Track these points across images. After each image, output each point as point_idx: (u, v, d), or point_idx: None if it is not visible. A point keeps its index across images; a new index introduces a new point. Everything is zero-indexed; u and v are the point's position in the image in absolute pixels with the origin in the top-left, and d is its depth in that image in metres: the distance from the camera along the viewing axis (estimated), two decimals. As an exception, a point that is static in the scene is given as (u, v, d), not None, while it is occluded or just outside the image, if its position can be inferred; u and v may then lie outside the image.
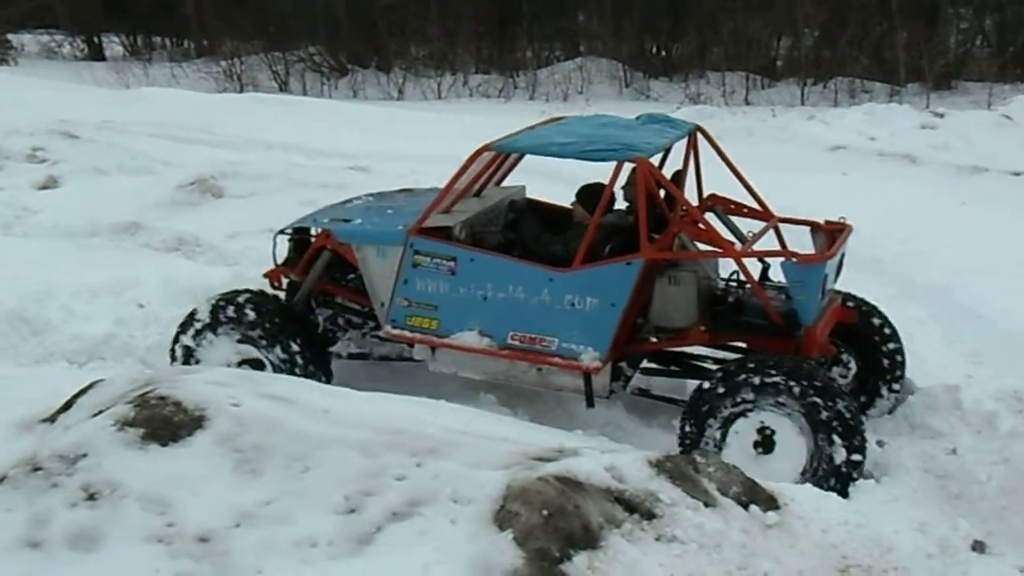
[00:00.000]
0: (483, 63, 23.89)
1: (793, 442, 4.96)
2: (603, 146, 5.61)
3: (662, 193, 5.58)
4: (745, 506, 3.46)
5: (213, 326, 5.81)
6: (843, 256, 5.66)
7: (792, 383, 4.93)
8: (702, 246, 5.61)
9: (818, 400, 4.89)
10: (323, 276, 6.20)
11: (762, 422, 5.00)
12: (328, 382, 5.73)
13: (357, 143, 12.66)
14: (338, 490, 3.20)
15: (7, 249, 7.69)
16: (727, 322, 5.51)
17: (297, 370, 5.75)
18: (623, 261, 5.34)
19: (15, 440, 3.45)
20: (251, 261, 7.39)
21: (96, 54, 28.79)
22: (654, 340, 5.64)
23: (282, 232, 6.41)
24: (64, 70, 23.38)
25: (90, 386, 3.65)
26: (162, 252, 7.96)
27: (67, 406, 3.57)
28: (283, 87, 23.35)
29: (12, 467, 3.19)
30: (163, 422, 3.30)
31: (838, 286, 5.77)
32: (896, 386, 5.81)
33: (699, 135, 6.02)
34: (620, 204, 5.84)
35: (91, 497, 3.06)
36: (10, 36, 28.63)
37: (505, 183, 6.56)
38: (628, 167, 5.41)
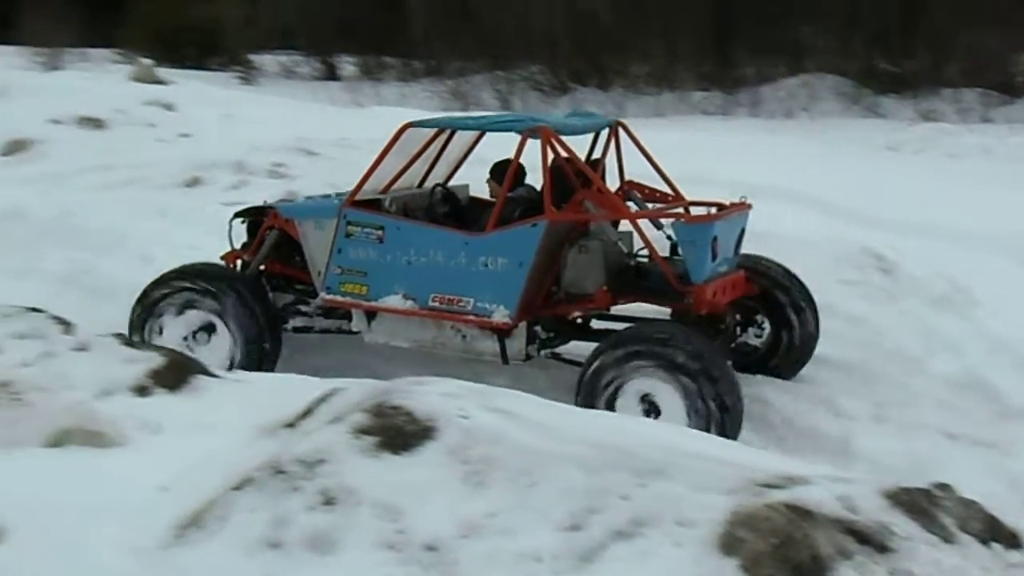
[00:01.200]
0: (703, 80, 23.67)
1: (672, 402, 5.38)
2: (511, 119, 6.47)
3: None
4: (985, 543, 3.26)
5: (172, 294, 6.40)
6: (743, 231, 6.22)
7: (654, 348, 5.42)
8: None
9: (680, 359, 5.33)
10: (274, 257, 6.76)
11: (640, 390, 5.44)
12: (277, 354, 6.43)
13: (577, 160, 12.73)
14: (562, 506, 3.21)
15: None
16: (628, 285, 6.02)
17: (252, 336, 6.30)
18: (529, 223, 5.88)
19: (259, 443, 3.64)
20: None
21: (331, 74, 30.18)
22: (562, 304, 6.09)
23: (236, 216, 7.00)
24: (301, 89, 24.58)
25: (329, 394, 3.81)
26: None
27: (307, 412, 3.74)
28: (505, 105, 23.80)
29: (256, 469, 3.36)
30: (396, 431, 3.40)
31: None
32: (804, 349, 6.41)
33: (620, 129, 6.65)
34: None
35: (328, 502, 3.18)
36: (252, 57, 30.35)
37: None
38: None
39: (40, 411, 3.84)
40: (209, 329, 6.44)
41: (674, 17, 23.23)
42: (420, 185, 6.85)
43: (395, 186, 6.45)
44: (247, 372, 5.28)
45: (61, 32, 28.21)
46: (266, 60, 31.08)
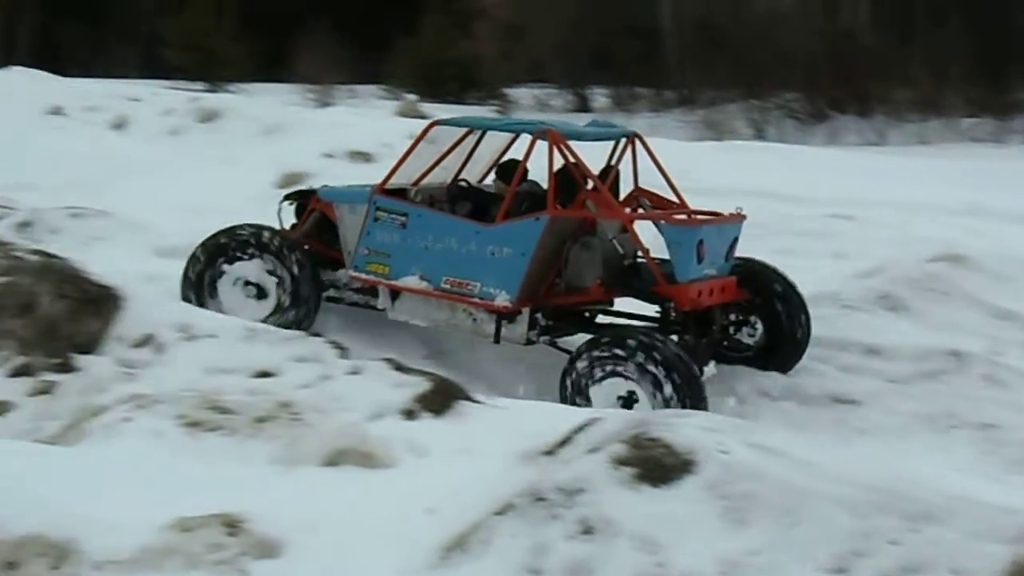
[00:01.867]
0: (973, 105, 22.45)
1: (643, 400, 5.80)
2: (524, 122, 7.42)
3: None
4: None
5: (227, 253, 6.97)
6: (735, 241, 6.63)
7: (629, 352, 5.83)
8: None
9: (655, 369, 5.75)
10: (314, 236, 7.31)
11: (616, 388, 5.86)
12: (312, 321, 6.90)
13: (837, 190, 12.34)
14: (827, 547, 3.11)
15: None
16: (620, 281, 6.53)
17: (299, 294, 6.85)
18: (532, 217, 6.41)
19: (519, 469, 3.71)
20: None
21: (583, 106, 30.54)
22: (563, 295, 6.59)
23: (287, 198, 7.60)
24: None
25: (587, 423, 3.85)
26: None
27: (565, 441, 3.79)
28: (760, 134, 23.40)
29: (517, 495, 3.43)
30: (655, 464, 3.40)
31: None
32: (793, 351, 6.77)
33: (637, 140, 7.06)
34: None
35: (587, 531, 3.21)
36: (508, 90, 31.17)
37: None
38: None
39: (317, 431, 4.07)
40: (258, 286, 6.98)
41: (941, 38, 22.22)
42: (455, 180, 7.35)
43: (426, 180, 7.01)
44: (506, 399, 5.39)
45: (332, 70, 29.92)
46: (521, 93, 31.82)
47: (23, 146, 13.31)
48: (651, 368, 5.78)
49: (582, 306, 6.82)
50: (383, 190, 6.93)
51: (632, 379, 5.85)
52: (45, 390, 4.75)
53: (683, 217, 6.67)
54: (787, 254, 7.64)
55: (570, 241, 6.55)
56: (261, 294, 6.97)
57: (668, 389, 5.74)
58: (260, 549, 3.22)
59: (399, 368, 4.81)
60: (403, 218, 6.86)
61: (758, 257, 6.96)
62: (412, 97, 22.58)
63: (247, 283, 6.99)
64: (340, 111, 21.26)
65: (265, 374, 4.86)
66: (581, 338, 6.43)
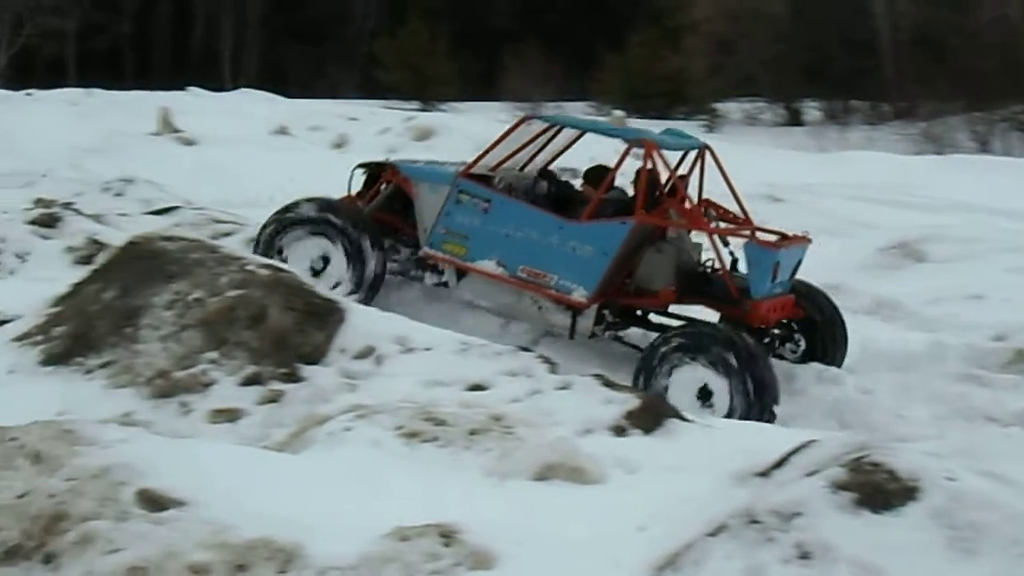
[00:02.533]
0: None
1: (721, 394, 6.10)
2: (626, 132, 7.60)
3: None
4: None
5: (298, 222, 7.23)
6: (799, 262, 6.95)
7: (715, 347, 6.16)
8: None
9: (735, 362, 6.05)
10: (385, 208, 7.54)
11: (696, 378, 6.16)
12: (378, 290, 7.17)
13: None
14: (1062, 583, 2.94)
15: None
16: (692, 288, 6.81)
17: (361, 266, 7.05)
18: (619, 220, 6.72)
19: (732, 490, 3.65)
20: (954, 328, 7.11)
21: (794, 120, 29.87)
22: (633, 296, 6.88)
23: (360, 166, 7.83)
24: (764, 135, 24.57)
25: (803, 445, 3.75)
26: (860, 315, 7.98)
27: (780, 463, 3.70)
28: (984, 148, 22.28)
29: (730, 516, 3.38)
30: (875, 489, 3.27)
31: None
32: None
33: (707, 152, 7.24)
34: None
35: (804, 556, 3.12)
36: (716, 105, 30.80)
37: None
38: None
39: (528, 445, 4.12)
40: (325, 257, 7.25)
41: None
42: (522, 169, 7.57)
43: (503, 167, 7.26)
44: (716, 419, 5.32)
45: (540, 87, 30.31)
46: (730, 107, 31.42)
47: (252, 165, 14.08)
48: (731, 361, 6.09)
49: (648, 307, 7.08)
50: (468, 174, 7.17)
51: (711, 368, 6.17)
52: (273, 399, 4.98)
53: (769, 239, 6.83)
54: (1017, 272, 7.24)
55: (646, 245, 6.85)
56: (325, 266, 7.24)
57: (746, 383, 6.05)
58: (474, 560, 3.28)
59: (608, 384, 4.82)
60: (487, 203, 7.07)
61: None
62: (619, 113, 22.60)
63: (315, 257, 7.25)
64: (547, 128, 21.51)
65: (478, 387, 4.96)
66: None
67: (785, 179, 13.30)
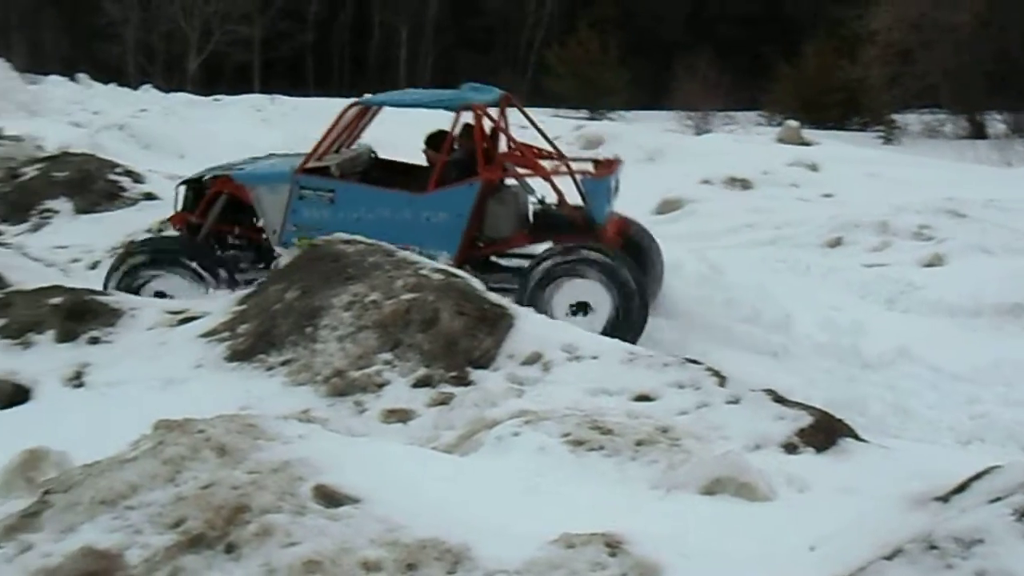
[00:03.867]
0: None
1: (600, 304, 6.90)
2: (448, 98, 7.68)
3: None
4: None
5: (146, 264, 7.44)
6: (618, 183, 7.75)
7: (592, 257, 6.86)
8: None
9: (608, 273, 6.82)
10: (221, 219, 7.76)
11: (575, 293, 6.89)
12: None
13: None
14: None
15: (892, 323, 7.98)
16: (540, 227, 7.47)
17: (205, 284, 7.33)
18: (467, 183, 7.21)
19: (908, 514, 3.53)
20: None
21: (978, 132, 28.64)
22: (485, 247, 7.48)
23: (183, 184, 7.98)
24: (945, 148, 23.66)
25: (986, 471, 3.60)
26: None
27: (961, 488, 3.56)
28: None
29: (907, 541, 3.27)
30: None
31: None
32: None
33: (509, 101, 8.09)
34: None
35: (985, 585, 3.01)
36: (895, 116, 29.82)
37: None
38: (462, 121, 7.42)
39: (696, 458, 4.08)
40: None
41: None
42: (337, 151, 7.89)
43: (335, 155, 7.66)
44: (892, 440, 5.15)
45: (710, 97, 29.95)
46: (909, 119, 30.36)
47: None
48: (623, 277, 6.89)
49: (506, 252, 7.81)
50: (305, 169, 7.52)
51: (588, 279, 6.93)
52: (443, 401, 5.08)
53: (595, 170, 7.69)
54: None
55: (488, 199, 7.42)
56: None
57: (619, 296, 6.91)
58: (639, 572, 3.26)
59: (780, 400, 4.72)
60: (330, 194, 7.45)
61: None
62: (793, 124, 22.14)
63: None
64: (718, 138, 21.28)
65: (644, 398, 4.93)
66: None
67: (968, 194, 12.76)
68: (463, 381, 5.23)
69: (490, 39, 45.78)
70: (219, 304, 6.21)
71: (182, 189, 8.07)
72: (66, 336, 5.92)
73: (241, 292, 6.40)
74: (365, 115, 8.17)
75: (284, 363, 5.48)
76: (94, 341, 5.92)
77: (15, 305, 6.19)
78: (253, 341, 5.64)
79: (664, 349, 5.68)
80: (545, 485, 3.92)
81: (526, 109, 8.26)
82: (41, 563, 3.14)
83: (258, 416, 4.05)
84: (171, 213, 8.15)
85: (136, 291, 7.38)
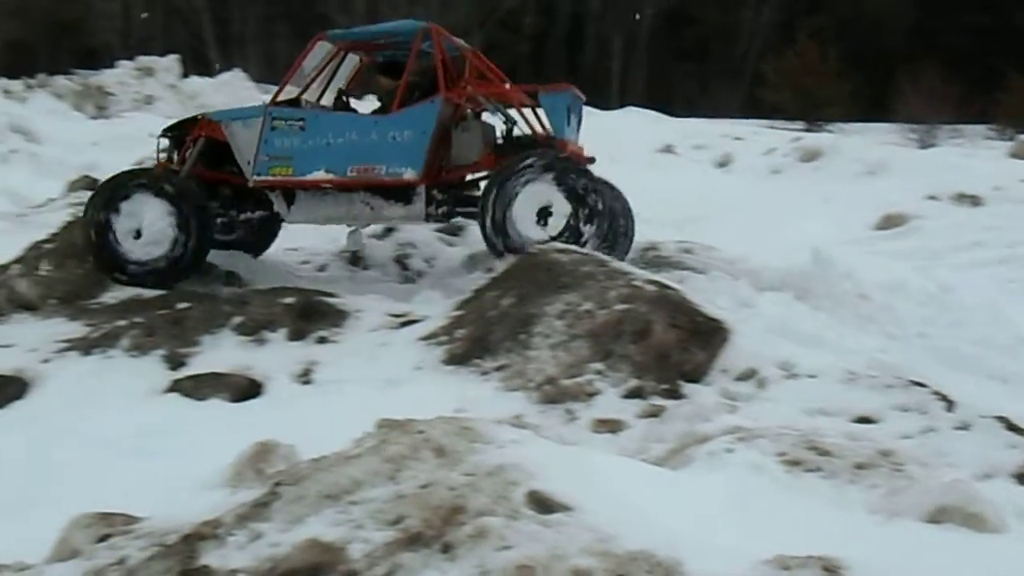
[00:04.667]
0: None
1: (558, 208, 7.05)
2: (407, 26, 8.00)
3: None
4: None
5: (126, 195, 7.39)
6: (580, 111, 8.08)
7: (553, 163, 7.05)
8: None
9: (570, 176, 7.05)
10: (200, 163, 7.79)
11: (535, 200, 7.05)
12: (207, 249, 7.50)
13: None
14: None
15: None
16: (505, 148, 7.58)
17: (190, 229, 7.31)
18: (428, 100, 7.42)
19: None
20: None
21: None
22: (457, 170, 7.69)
23: (163, 133, 8.03)
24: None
25: None
26: None
27: None
28: None
29: None
30: None
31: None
32: None
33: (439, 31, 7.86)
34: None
35: None
36: None
37: None
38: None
39: (920, 484, 3.91)
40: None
41: None
42: (318, 100, 8.08)
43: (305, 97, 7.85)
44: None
45: (935, 109, 28.68)
46: None
47: (636, 181, 14.32)
48: (568, 179, 7.03)
49: (475, 175, 7.91)
50: (276, 102, 7.74)
51: (551, 185, 7.05)
52: (654, 413, 5.06)
53: (555, 86, 7.77)
54: None
55: (452, 128, 7.65)
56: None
57: (568, 196, 7.05)
58: (860, 598, 3.17)
59: (1012, 428, 4.48)
60: (301, 122, 7.61)
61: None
62: (1025, 138, 20.96)
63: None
64: (945, 152, 20.38)
65: (865, 420, 4.77)
66: None
67: None
68: (675, 394, 5.19)
69: (704, 50, 45.23)
70: (438, 308, 6.38)
71: (163, 140, 8.17)
72: (296, 335, 6.24)
73: (459, 298, 6.56)
74: (336, 56, 8.12)
75: (498, 368, 5.58)
76: (322, 340, 6.21)
77: (251, 304, 6.56)
78: (469, 346, 5.78)
79: (887, 370, 5.44)
80: (758, 504, 3.84)
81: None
82: (270, 552, 3.30)
83: (475, 419, 4.14)
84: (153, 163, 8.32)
85: (115, 209, 7.49)
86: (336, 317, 6.43)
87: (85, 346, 6.38)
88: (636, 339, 5.44)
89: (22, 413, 5.76)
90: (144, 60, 27.44)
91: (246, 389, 5.82)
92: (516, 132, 7.88)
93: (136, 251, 7.42)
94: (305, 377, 5.91)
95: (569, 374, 5.38)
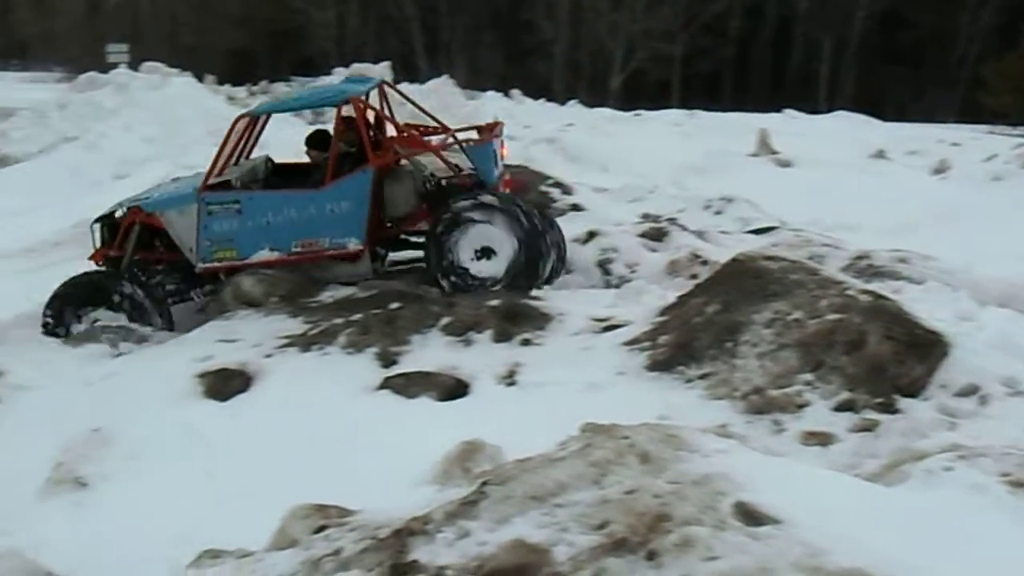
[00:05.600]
0: None
1: (502, 250, 7.58)
2: (328, 94, 8.54)
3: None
4: None
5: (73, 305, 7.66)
6: (502, 144, 8.70)
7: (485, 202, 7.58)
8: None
9: (515, 219, 7.52)
10: (140, 247, 8.02)
11: (475, 240, 7.64)
12: (170, 326, 7.72)
13: None
14: None
15: None
16: (438, 199, 7.92)
17: (136, 314, 7.63)
18: (360, 171, 7.72)
19: None
20: None
21: None
22: (392, 227, 8.13)
23: (96, 221, 8.18)
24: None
25: None
26: None
27: None
28: None
29: None
30: None
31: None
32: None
33: (385, 86, 9.02)
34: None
35: None
36: None
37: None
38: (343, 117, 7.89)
39: None
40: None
41: None
42: (237, 163, 8.26)
43: (232, 170, 8.05)
44: None
45: None
46: None
47: (847, 187, 13.91)
48: (522, 219, 7.46)
49: (412, 231, 8.19)
50: (207, 187, 7.82)
51: (492, 225, 7.47)
52: (867, 427, 4.88)
53: (479, 138, 8.33)
54: None
55: (384, 180, 7.86)
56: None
57: (519, 234, 7.46)
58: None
59: None
60: (236, 205, 7.76)
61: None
62: None
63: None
64: None
65: (1102, 442, 4.47)
66: None
67: None
68: (889, 408, 5.00)
69: (919, 54, 43.40)
70: (641, 313, 6.36)
71: (96, 227, 8.30)
72: (501, 336, 6.34)
73: (661, 303, 6.50)
74: (255, 126, 8.42)
75: (702, 376, 5.51)
76: (526, 343, 6.28)
77: (459, 306, 6.72)
78: (673, 352, 5.73)
79: None
80: (979, 526, 3.66)
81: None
82: (477, 550, 3.36)
83: (680, 427, 4.10)
84: (90, 252, 8.33)
85: (67, 329, 7.71)
86: (540, 320, 6.49)
87: (304, 342, 6.67)
88: (849, 350, 5.27)
89: (245, 405, 6.07)
90: (358, 67, 28.51)
91: (453, 388, 5.96)
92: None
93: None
94: (509, 378, 5.99)
95: (777, 384, 5.26)
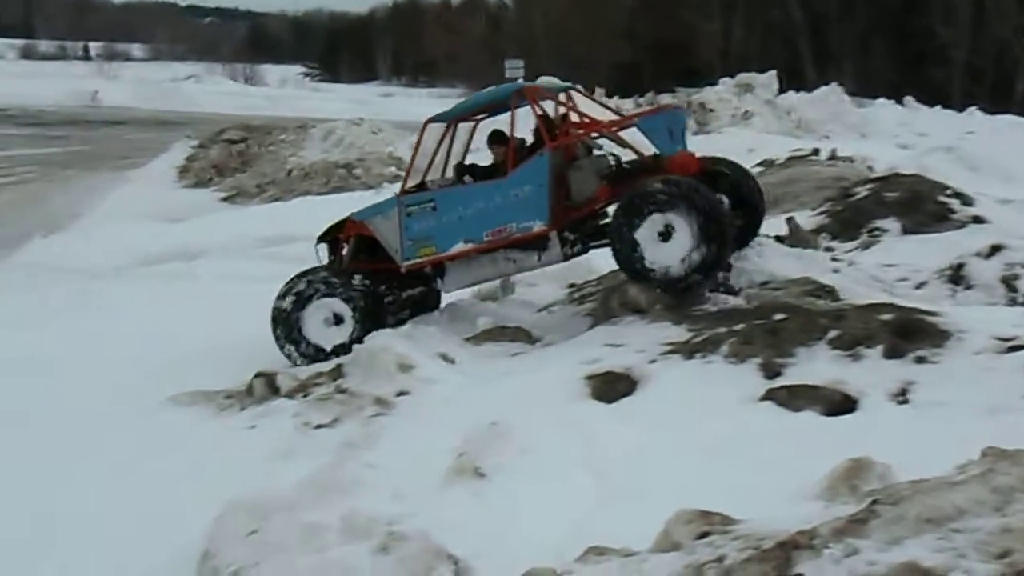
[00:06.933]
0: None
1: (682, 234, 7.47)
2: (499, 92, 9.12)
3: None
4: None
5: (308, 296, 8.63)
6: (685, 124, 8.74)
7: (673, 190, 7.48)
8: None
9: (695, 205, 7.42)
10: (357, 258, 8.99)
11: (664, 222, 7.52)
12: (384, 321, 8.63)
13: None
14: None
15: None
16: (618, 178, 8.29)
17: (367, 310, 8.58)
18: (537, 154, 8.20)
19: None
20: None
21: None
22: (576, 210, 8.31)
23: (320, 240, 9.24)
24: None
25: None
26: None
27: None
28: None
29: None
30: None
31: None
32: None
33: (574, 91, 9.31)
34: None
35: None
36: None
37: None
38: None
39: None
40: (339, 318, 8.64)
41: None
42: (443, 175, 9.17)
43: (429, 176, 8.94)
44: None
45: None
46: None
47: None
48: (686, 203, 7.40)
49: (596, 209, 8.34)
50: (405, 191, 8.69)
51: (672, 212, 7.44)
52: None
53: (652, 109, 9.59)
54: None
55: (565, 170, 8.17)
56: (339, 321, 8.63)
57: (700, 220, 7.35)
58: None
59: None
60: (431, 204, 8.43)
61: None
62: None
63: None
64: None
65: None
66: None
67: None
68: None
69: None
70: None
71: (321, 246, 9.27)
72: (893, 352, 6.07)
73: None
74: (449, 132, 9.00)
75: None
76: (920, 360, 5.99)
77: (847, 319, 6.51)
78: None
79: None
80: None
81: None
82: (866, 570, 3.28)
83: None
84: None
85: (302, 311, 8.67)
86: (937, 337, 6.16)
87: (687, 350, 6.75)
88: None
89: (631, 409, 6.24)
90: (743, 77, 28.35)
91: (839, 403, 5.80)
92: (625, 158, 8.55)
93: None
94: (901, 396, 5.74)
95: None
